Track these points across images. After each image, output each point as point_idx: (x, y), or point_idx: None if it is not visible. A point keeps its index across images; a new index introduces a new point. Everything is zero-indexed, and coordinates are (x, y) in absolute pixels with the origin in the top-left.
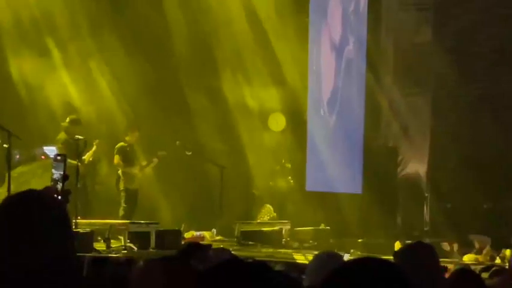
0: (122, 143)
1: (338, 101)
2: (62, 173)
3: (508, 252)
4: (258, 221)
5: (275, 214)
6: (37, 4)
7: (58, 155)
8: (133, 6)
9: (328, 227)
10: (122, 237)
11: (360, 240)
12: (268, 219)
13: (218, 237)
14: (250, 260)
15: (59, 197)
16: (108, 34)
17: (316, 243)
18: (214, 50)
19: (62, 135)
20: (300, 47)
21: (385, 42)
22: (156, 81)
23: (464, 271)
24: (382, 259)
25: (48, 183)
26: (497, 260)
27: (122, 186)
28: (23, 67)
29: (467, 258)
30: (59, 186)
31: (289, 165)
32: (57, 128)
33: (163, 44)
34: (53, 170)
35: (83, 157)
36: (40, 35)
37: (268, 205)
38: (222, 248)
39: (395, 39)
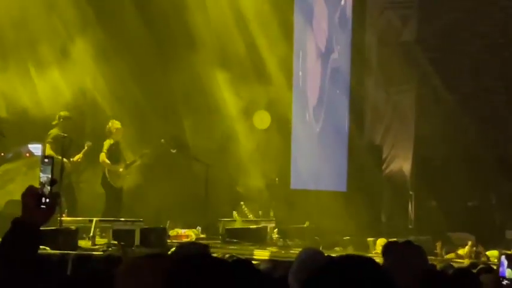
0: (107, 141)
1: (323, 100)
2: (49, 176)
3: (495, 253)
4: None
5: (250, 215)
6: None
7: (45, 157)
8: (118, 3)
9: (313, 225)
10: (106, 235)
11: (344, 238)
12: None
13: (203, 235)
14: (233, 258)
15: (47, 200)
16: (92, 31)
17: (301, 241)
18: (200, 47)
19: (54, 131)
20: (285, 46)
21: (369, 41)
22: (141, 79)
23: (465, 272)
24: (365, 257)
25: (33, 182)
26: (483, 258)
27: (106, 184)
28: (5, 65)
29: (450, 256)
30: (47, 189)
31: (274, 163)
32: (43, 126)
33: (147, 40)
34: (41, 174)
35: (73, 158)
36: (20, 33)
37: (242, 203)
38: (194, 242)
39: (380, 38)
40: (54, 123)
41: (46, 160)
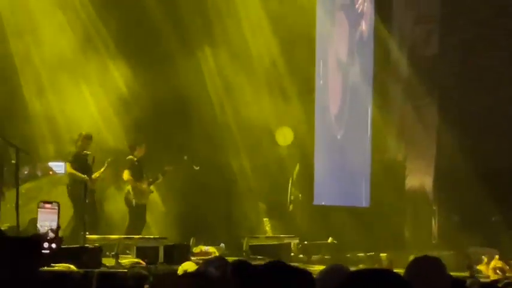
0: (130, 158)
1: (345, 116)
2: (55, 222)
3: None
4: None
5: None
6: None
7: (47, 202)
8: (140, 21)
9: (336, 241)
10: (130, 252)
11: (368, 254)
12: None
13: (226, 252)
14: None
15: (53, 245)
16: (114, 49)
17: (324, 256)
18: (223, 65)
19: (72, 150)
20: (307, 62)
21: (393, 55)
22: (164, 96)
23: (490, 287)
24: (387, 270)
25: (56, 199)
26: (508, 273)
27: (130, 201)
28: (32, 82)
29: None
30: (51, 234)
31: (297, 180)
32: (62, 144)
33: (172, 58)
34: (41, 219)
35: (93, 174)
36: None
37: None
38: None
39: (403, 52)
40: (76, 143)
41: (49, 205)
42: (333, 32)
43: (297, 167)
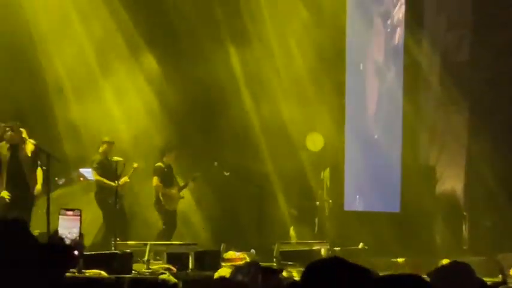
0: (159, 164)
1: (378, 121)
2: (77, 229)
3: None
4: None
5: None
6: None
7: (69, 209)
8: (173, 26)
9: (367, 247)
10: (161, 258)
11: (399, 260)
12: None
13: (257, 258)
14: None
15: (75, 252)
16: (146, 53)
17: (355, 262)
18: (253, 71)
19: (97, 157)
20: (336, 66)
21: (426, 61)
22: (194, 102)
23: None
24: (415, 275)
25: (88, 206)
26: None
27: (160, 207)
28: (57, 86)
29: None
30: (71, 241)
31: (328, 185)
32: (92, 150)
33: (203, 64)
34: (62, 226)
35: (121, 180)
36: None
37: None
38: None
39: (435, 58)
40: (99, 149)
41: (71, 212)
42: (368, 38)
43: (327, 172)
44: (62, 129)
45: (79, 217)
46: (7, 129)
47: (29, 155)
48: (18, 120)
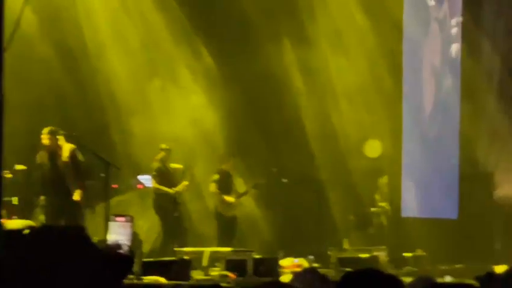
0: (217, 171)
1: (433, 126)
2: (128, 236)
3: None
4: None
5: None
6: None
7: (120, 216)
8: (232, 30)
9: (424, 253)
10: (219, 265)
11: (457, 266)
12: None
13: (315, 264)
14: None
15: (129, 261)
16: (206, 58)
17: (412, 269)
18: (312, 77)
19: (155, 164)
20: (391, 72)
21: (486, 65)
22: (254, 109)
23: None
24: (471, 285)
25: (146, 212)
26: None
27: (218, 214)
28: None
29: None
30: (124, 248)
31: (386, 191)
32: (150, 157)
33: (263, 70)
34: (113, 232)
35: (178, 187)
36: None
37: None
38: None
39: (496, 62)
40: (156, 156)
41: (122, 218)
42: (425, 42)
43: (385, 179)
44: (117, 136)
45: (131, 223)
46: (43, 137)
47: (67, 160)
48: (69, 128)
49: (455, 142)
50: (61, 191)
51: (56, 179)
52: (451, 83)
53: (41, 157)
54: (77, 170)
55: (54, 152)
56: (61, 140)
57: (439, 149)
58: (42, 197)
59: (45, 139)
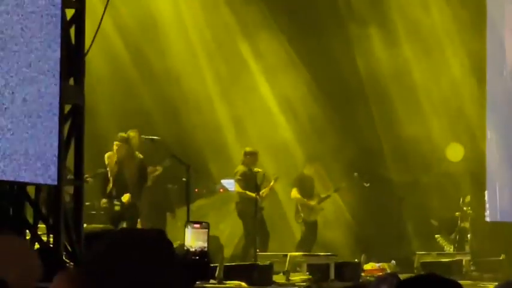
0: (298, 175)
1: None
2: (205, 242)
3: None
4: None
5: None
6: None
7: (196, 222)
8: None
9: (510, 258)
10: (301, 269)
11: None
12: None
13: (398, 269)
14: None
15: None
16: (296, 66)
17: (496, 274)
18: (385, 80)
19: (240, 168)
20: (474, 75)
21: None
22: (335, 112)
23: None
24: None
25: (226, 217)
26: None
27: (300, 219)
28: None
29: None
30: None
31: (469, 196)
32: (234, 161)
33: (343, 75)
34: (189, 239)
35: (261, 191)
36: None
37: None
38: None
39: None
40: (241, 160)
41: (198, 225)
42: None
43: (469, 183)
44: (202, 138)
45: (207, 230)
46: (116, 142)
47: (135, 171)
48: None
49: None
50: (121, 195)
51: (118, 187)
52: None
53: (110, 159)
54: (141, 183)
55: (122, 160)
56: (131, 147)
57: None
58: (103, 200)
59: (116, 145)
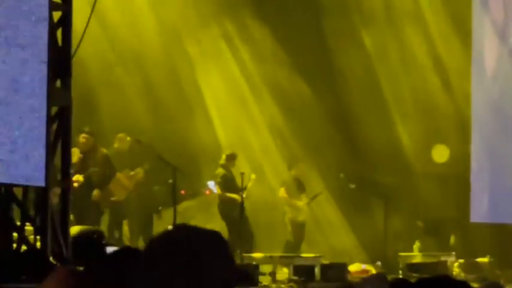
0: (286, 176)
1: (506, 132)
2: None
3: None
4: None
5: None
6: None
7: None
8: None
9: (495, 259)
10: (287, 271)
11: None
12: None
13: (383, 270)
14: None
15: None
16: (283, 68)
17: (481, 275)
18: (379, 77)
19: (220, 171)
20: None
21: None
22: (323, 113)
23: None
24: None
25: (213, 218)
26: None
27: (287, 219)
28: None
29: None
30: None
31: (453, 197)
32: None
33: (335, 77)
34: None
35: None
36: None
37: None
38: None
39: None
40: (220, 162)
41: None
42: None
43: (453, 184)
44: (185, 141)
45: None
46: (82, 135)
47: (99, 165)
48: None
49: None
50: (83, 193)
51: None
52: None
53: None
54: (109, 176)
55: (87, 152)
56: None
57: (507, 151)
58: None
59: (81, 138)
